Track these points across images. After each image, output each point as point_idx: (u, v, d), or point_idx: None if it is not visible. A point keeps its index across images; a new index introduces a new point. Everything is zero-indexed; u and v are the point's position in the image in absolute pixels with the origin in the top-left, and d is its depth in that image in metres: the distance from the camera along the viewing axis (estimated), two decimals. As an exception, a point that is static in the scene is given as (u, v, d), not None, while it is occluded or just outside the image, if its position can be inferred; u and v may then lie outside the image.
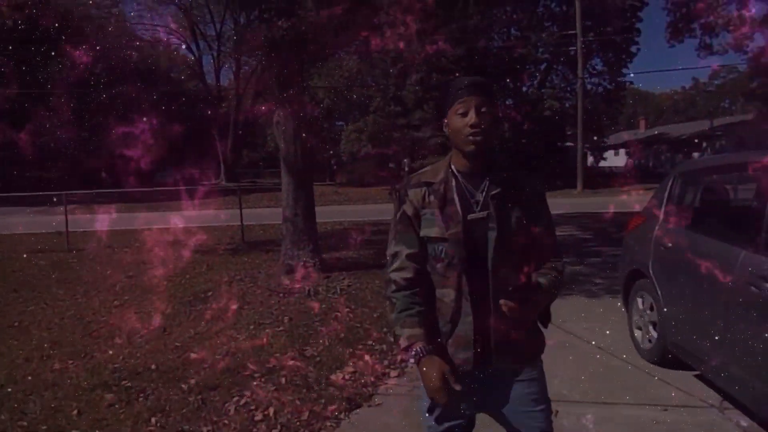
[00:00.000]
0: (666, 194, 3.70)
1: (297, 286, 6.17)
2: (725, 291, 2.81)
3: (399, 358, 3.97)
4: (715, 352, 2.97)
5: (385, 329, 4.64)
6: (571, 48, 26.63)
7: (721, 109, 51.95)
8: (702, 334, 3.11)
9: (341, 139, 32.39)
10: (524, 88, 30.53)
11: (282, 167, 7.00)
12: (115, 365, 3.99)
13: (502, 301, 1.49)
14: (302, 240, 6.88)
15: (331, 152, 34.40)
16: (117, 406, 3.33)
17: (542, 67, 30.97)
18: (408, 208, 1.64)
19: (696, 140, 34.56)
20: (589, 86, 29.11)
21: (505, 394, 1.64)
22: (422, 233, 1.62)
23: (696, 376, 3.53)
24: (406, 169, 31.46)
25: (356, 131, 29.80)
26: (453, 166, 1.65)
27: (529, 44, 27.77)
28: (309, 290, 5.97)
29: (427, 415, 1.68)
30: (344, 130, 31.09)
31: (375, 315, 5.08)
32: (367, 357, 4.01)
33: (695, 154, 31.83)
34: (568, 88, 30.17)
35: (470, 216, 1.58)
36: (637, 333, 3.95)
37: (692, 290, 3.22)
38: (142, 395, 3.46)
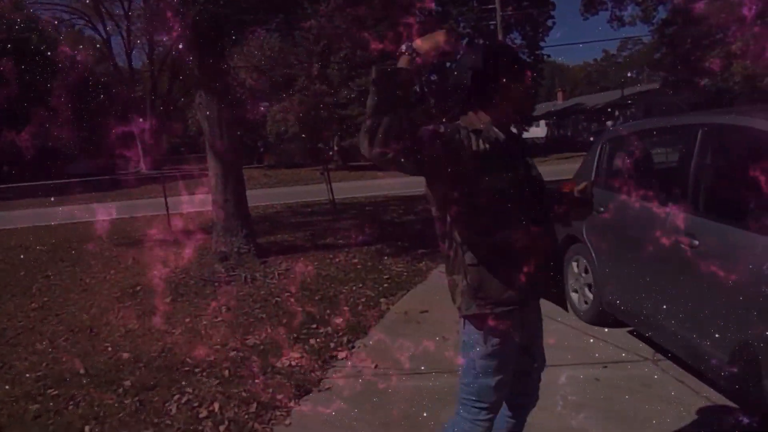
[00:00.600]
0: (596, 160, 3.82)
1: (233, 273, 5.96)
2: (654, 249, 2.94)
3: (345, 339, 3.92)
4: (647, 308, 3.12)
5: (328, 311, 4.58)
6: (491, 22, 27.12)
7: (630, 79, 54.85)
8: (634, 292, 3.25)
9: (267, 120, 31.52)
10: (447, 63, 30.82)
11: (208, 151, 6.68)
12: (38, 373, 3.68)
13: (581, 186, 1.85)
14: (235, 225, 6.64)
15: (258, 134, 33.46)
16: (44, 417, 3.07)
17: (464, 41, 31.38)
18: (463, 138, 1.63)
19: (609, 109, 36.48)
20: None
21: (533, 321, 1.84)
22: (492, 177, 1.63)
23: (630, 332, 3.71)
24: (336, 148, 31.21)
25: (282, 111, 29.09)
26: (482, 119, 1.71)
27: (451, 18, 28.01)
28: (246, 277, 5.78)
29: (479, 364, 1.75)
30: (269, 111, 30.23)
31: (316, 298, 4.99)
32: (312, 341, 3.93)
33: (609, 123, 33.59)
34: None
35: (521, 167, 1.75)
36: (574, 296, 4.10)
37: (624, 251, 3.36)
38: (72, 403, 3.21)
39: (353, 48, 25.30)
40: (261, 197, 13.66)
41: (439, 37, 1.49)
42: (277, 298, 5.03)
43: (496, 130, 1.69)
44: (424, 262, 6.16)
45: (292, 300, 4.96)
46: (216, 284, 5.64)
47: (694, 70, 18.30)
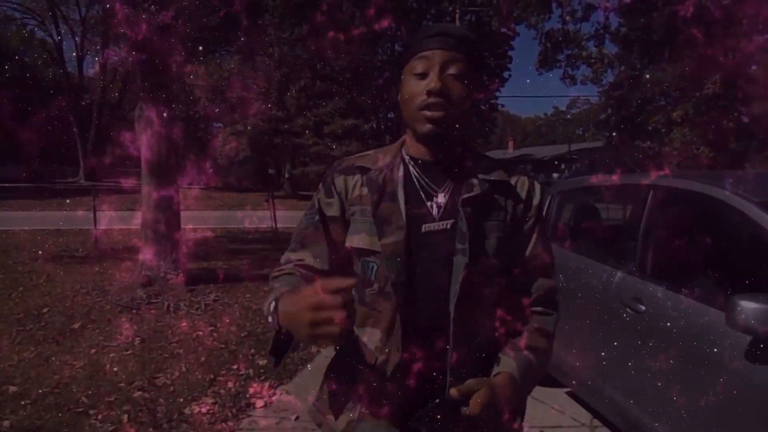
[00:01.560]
0: (543, 213, 3.72)
1: (155, 300, 5.49)
2: (600, 311, 2.81)
3: (266, 385, 3.59)
4: (588, 371, 2.98)
5: (252, 350, 4.22)
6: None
7: (576, 135, 57.30)
8: (576, 353, 3.10)
9: (218, 141, 30.87)
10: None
11: (143, 166, 6.26)
12: None
13: (453, 391, 0.93)
14: (164, 248, 6.18)
15: (207, 154, 32.66)
16: None
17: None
18: (333, 205, 1.11)
19: (556, 162, 37.87)
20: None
21: None
22: (348, 242, 1.09)
23: (567, 393, 3.56)
24: (287, 175, 30.78)
25: (235, 134, 28.56)
26: (404, 151, 1.13)
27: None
28: (168, 305, 5.33)
29: None
30: (222, 131, 29.64)
31: (243, 334, 4.61)
32: (230, 384, 3.56)
33: (555, 175, 34.80)
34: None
35: (426, 226, 1.05)
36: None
37: (568, 310, 3.22)
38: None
39: (312, 78, 25.38)
40: (201, 219, 13.08)
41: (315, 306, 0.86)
42: (199, 332, 4.62)
43: (404, 173, 1.11)
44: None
45: (216, 335, 4.58)
46: (134, 311, 5.17)
47: (636, 132, 19.22)
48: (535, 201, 1.14)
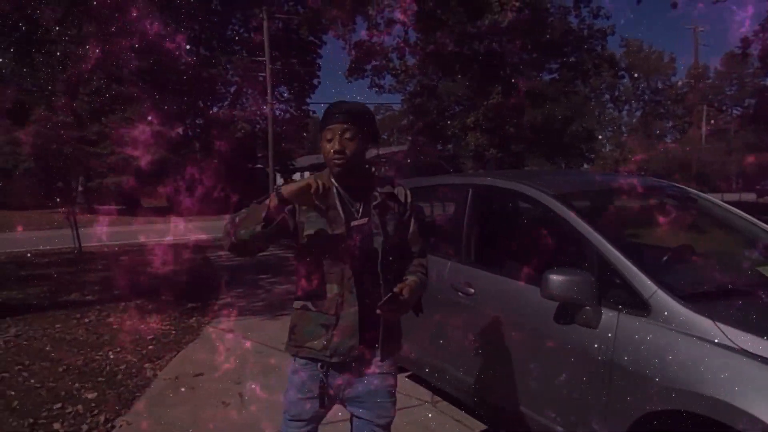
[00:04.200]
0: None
1: (-67, 345, 4.58)
2: (437, 298, 3.15)
3: (102, 419, 3.27)
4: (430, 354, 3.31)
5: (77, 384, 3.79)
6: (260, 74, 27.49)
7: (382, 140, 60.84)
8: (416, 338, 3.42)
9: (-13, 152, 26.22)
10: (215, 109, 30.20)
11: None
12: None
13: (397, 287, 1.75)
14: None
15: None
16: None
17: (232, 89, 31.15)
18: (280, 200, 1.69)
19: (367, 165, 39.81)
20: (277, 112, 30.52)
21: (365, 384, 1.84)
22: (309, 231, 1.79)
23: (408, 376, 3.88)
24: (81, 188, 27.39)
25: (11, 143, 24.55)
26: (333, 178, 1.85)
27: (220, 65, 27.62)
28: (-46, 349, 4.50)
29: (285, 416, 1.88)
30: (-7, 141, 25.24)
31: (60, 369, 4.10)
32: (56, 425, 3.18)
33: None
34: (258, 112, 31.06)
35: (353, 222, 1.80)
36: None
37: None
38: None
39: (107, 81, 22.98)
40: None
41: (307, 187, 1.62)
42: (4, 374, 3.99)
43: (336, 192, 1.83)
44: (194, 318, 5.63)
45: (26, 374, 4.00)
46: None
47: (436, 136, 21.20)
48: (409, 200, 1.96)
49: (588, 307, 2.26)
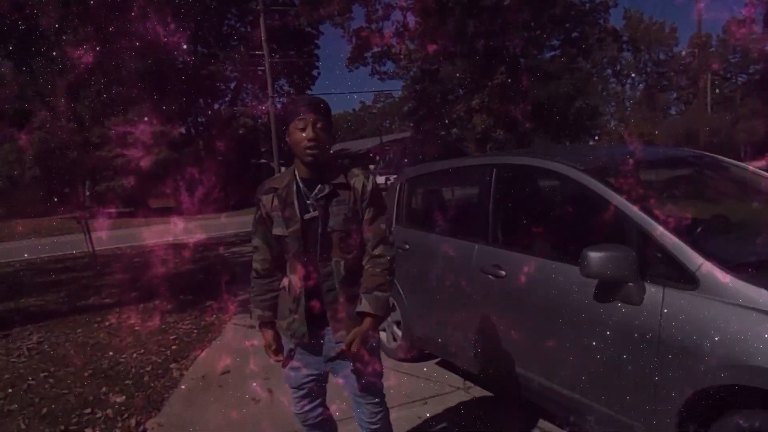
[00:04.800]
0: (396, 199, 3.93)
1: (-43, 356, 4.57)
2: (464, 281, 3.08)
3: (133, 422, 3.24)
4: (458, 338, 3.25)
5: (104, 388, 3.77)
6: (259, 68, 27.33)
7: (384, 127, 60.65)
8: (444, 324, 3.36)
9: (-6, 161, 26.29)
10: (216, 106, 30.09)
11: None
12: None
13: (342, 345, 1.97)
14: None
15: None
16: None
17: (232, 85, 31.02)
18: (262, 211, 2.01)
19: (371, 154, 39.66)
20: (279, 105, 30.37)
21: (333, 362, 2.08)
22: (273, 232, 1.99)
23: (437, 363, 3.83)
24: (88, 193, 27.44)
25: (16, 151, 24.58)
26: (296, 173, 1.97)
27: (218, 61, 27.46)
28: (-22, 359, 4.49)
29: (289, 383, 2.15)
30: (-3, 150, 25.29)
31: (86, 374, 4.08)
32: (89, 431, 3.15)
33: (371, 166, 36.43)
34: (260, 107, 30.96)
35: (306, 216, 1.93)
36: (381, 334, 4.09)
37: (433, 285, 3.46)
38: None
39: (107, 84, 22.92)
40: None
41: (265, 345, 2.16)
42: (30, 381, 3.97)
43: (296, 187, 1.96)
44: (215, 316, 5.59)
45: (53, 381, 3.98)
46: (-69, 374, 4.24)
47: (439, 121, 21.02)
48: (368, 188, 1.98)
49: (631, 283, 2.18)
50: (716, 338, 1.92)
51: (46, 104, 22.27)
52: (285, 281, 2.06)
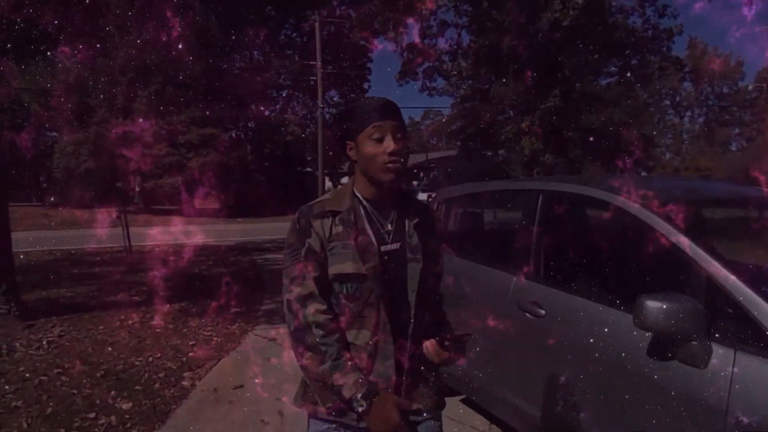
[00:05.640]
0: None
1: (-20, 343, 4.56)
2: (498, 316, 2.79)
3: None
4: (487, 377, 2.95)
5: (113, 392, 3.63)
6: (311, 78, 27.68)
7: (431, 144, 60.43)
8: (473, 360, 3.07)
9: (54, 152, 27.48)
10: (267, 113, 30.61)
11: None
12: None
13: (429, 343, 1.43)
14: (-10, 279, 5.19)
15: (41, 167, 28.93)
16: None
17: (284, 93, 31.55)
18: (314, 242, 1.42)
19: (415, 170, 39.48)
20: (327, 115, 30.66)
21: None
22: (333, 270, 1.41)
23: (462, 400, 3.53)
24: (137, 189, 28.29)
25: (74, 144, 25.59)
26: (359, 194, 1.49)
27: (272, 69, 27.97)
28: (0, 347, 4.45)
29: None
30: (58, 142, 26.41)
31: (99, 374, 3.96)
32: (87, 438, 3.00)
33: (414, 183, 36.25)
34: (309, 116, 31.34)
35: (384, 248, 1.44)
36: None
37: (462, 316, 3.18)
38: None
39: (164, 85, 23.63)
40: (36, 241, 11.43)
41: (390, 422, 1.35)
42: (42, 377, 3.88)
43: (364, 211, 1.47)
44: (237, 324, 5.44)
45: (65, 378, 3.88)
46: (-48, 358, 4.22)
47: (487, 141, 20.61)
48: (434, 217, 1.63)
49: (695, 342, 1.86)
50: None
51: (105, 100, 23.11)
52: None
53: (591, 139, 15.87)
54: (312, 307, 1.39)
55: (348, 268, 1.39)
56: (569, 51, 13.63)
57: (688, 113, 49.72)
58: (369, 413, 1.33)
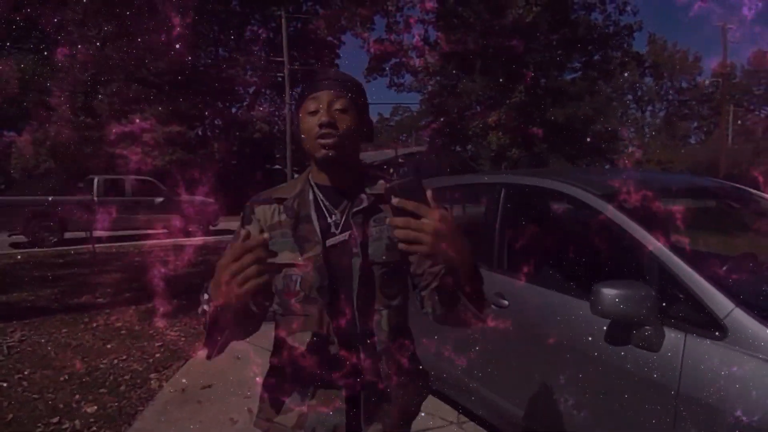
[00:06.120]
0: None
1: (-65, 350, 4.40)
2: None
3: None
4: (455, 369, 3.00)
5: (77, 395, 3.56)
6: (278, 74, 27.42)
7: (400, 141, 60.59)
8: (440, 351, 3.11)
9: (11, 152, 26.56)
10: (234, 110, 30.24)
11: None
12: None
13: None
14: (-55, 284, 5.01)
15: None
16: None
17: (251, 90, 31.16)
18: (253, 230, 1.10)
19: (385, 166, 39.57)
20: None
21: None
22: (271, 260, 1.12)
23: (431, 392, 3.57)
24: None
25: (34, 144, 24.79)
26: (311, 179, 1.33)
27: (238, 66, 27.62)
28: (-44, 354, 4.32)
29: None
30: (15, 141, 25.54)
31: (62, 378, 3.88)
32: (51, 443, 2.94)
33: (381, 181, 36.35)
34: (276, 113, 31.06)
35: (329, 241, 1.25)
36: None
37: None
38: None
39: (126, 82, 23.08)
40: (-6, 245, 11.06)
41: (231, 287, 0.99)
42: (2, 383, 3.77)
43: (313, 197, 1.29)
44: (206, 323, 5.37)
45: (26, 384, 3.78)
46: None
47: (455, 136, 20.82)
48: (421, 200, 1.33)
49: (648, 326, 1.93)
50: (743, 396, 1.67)
51: (67, 99, 22.44)
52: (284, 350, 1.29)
53: (555, 133, 16.16)
54: None
55: (284, 258, 1.22)
56: (533, 47, 13.85)
57: (650, 107, 51.06)
58: (211, 297, 1.05)
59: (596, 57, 16.60)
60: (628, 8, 15.33)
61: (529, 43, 13.93)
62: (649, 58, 24.88)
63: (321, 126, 1.21)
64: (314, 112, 1.24)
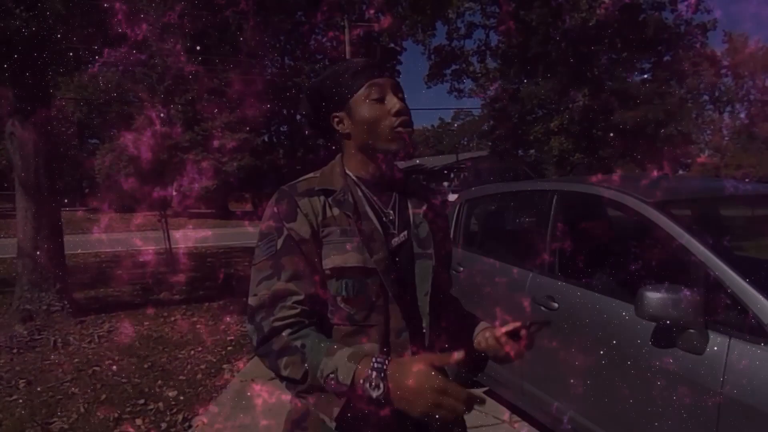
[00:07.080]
0: (454, 220, 3.86)
1: (38, 337, 4.95)
2: (515, 311, 2.95)
3: (180, 418, 3.35)
4: (506, 369, 3.11)
5: (159, 381, 3.93)
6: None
7: (461, 145, 60.26)
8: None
9: (96, 158, 28.60)
10: (299, 117, 31.19)
11: (17, 189, 5.64)
12: None
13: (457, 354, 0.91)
14: (46, 278, 5.59)
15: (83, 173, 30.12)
16: None
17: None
18: (300, 227, 1.05)
19: (445, 171, 39.52)
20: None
21: None
22: (330, 263, 1.05)
23: (485, 391, 3.69)
24: (174, 192, 29.16)
25: (115, 150, 26.59)
26: (351, 174, 1.14)
27: (303, 74, 28.51)
28: (55, 341, 4.83)
29: None
30: (99, 148, 27.46)
31: (146, 365, 4.28)
32: (138, 421, 3.29)
33: (445, 183, 36.29)
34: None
35: (394, 240, 1.10)
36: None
37: (485, 311, 3.35)
38: None
39: (200, 92, 24.35)
40: (82, 244, 12.05)
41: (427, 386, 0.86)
42: (95, 367, 4.22)
43: (362, 193, 1.13)
44: (272, 321, 5.71)
45: (115, 369, 4.21)
46: (14, 351, 4.61)
47: (517, 141, 20.59)
48: (444, 213, 1.30)
49: (692, 330, 2.00)
50: (787, 401, 1.71)
51: (144, 108, 23.94)
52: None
53: (623, 137, 15.70)
54: (277, 313, 1.01)
55: (351, 260, 1.04)
56: (598, 50, 13.55)
57: (728, 108, 48.26)
58: (392, 391, 0.88)
59: (667, 58, 15.99)
60: (701, 6, 14.71)
61: (594, 45, 13.64)
62: (726, 57, 23.63)
63: (398, 114, 1.09)
64: (379, 99, 1.09)
